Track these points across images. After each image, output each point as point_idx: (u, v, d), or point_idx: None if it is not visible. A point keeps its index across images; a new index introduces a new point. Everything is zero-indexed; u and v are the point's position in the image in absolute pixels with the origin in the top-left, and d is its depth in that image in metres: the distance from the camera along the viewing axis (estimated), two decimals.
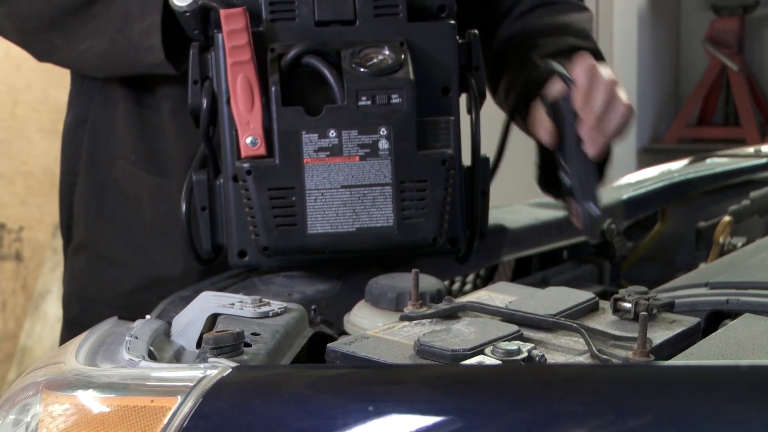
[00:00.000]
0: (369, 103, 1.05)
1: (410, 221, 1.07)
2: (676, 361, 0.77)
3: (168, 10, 1.12)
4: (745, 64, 4.59)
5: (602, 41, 3.98)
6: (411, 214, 1.07)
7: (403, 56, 1.07)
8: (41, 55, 1.29)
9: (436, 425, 0.64)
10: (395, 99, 1.05)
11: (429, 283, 0.95)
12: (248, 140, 1.05)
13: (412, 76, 1.06)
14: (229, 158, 1.09)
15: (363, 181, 1.06)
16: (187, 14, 1.09)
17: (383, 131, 1.05)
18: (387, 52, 1.07)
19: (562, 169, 1.14)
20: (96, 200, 1.34)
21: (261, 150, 1.05)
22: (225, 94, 1.08)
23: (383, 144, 1.06)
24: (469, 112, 1.16)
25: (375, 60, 1.06)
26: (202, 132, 1.11)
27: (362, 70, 1.05)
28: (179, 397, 0.70)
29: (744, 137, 4.37)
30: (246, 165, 1.05)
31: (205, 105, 1.10)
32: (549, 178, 1.24)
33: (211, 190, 1.13)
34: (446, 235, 1.11)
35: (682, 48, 4.85)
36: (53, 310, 3.50)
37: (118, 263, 1.32)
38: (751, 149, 2.15)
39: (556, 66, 1.15)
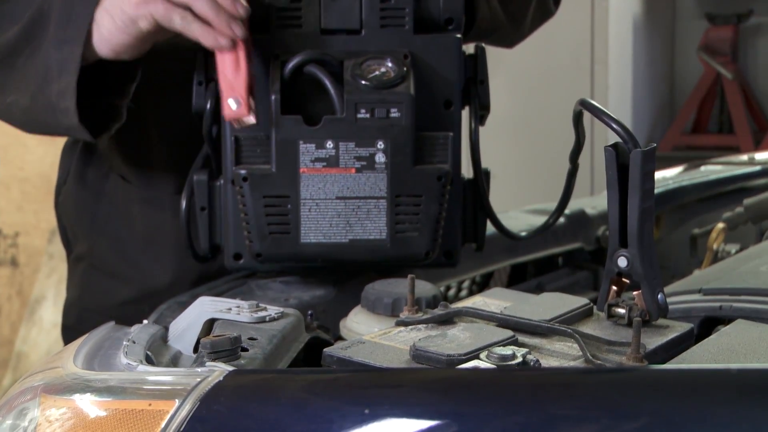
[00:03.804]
0: (368, 116, 1.05)
1: (403, 235, 1.07)
2: (669, 365, 0.78)
3: (85, 72, 1.07)
4: (739, 73, 4.61)
5: (597, 49, 4.00)
6: (404, 228, 1.07)
7: (405, 69, 1.07)
8: None
9: (431, 429, 0.65)
10: (394, 113, 1.05)
11: (425, 288, 0.95)
12: (230, 101, 1.03)
13: (412, 90, 1.06)
14: (228, 161, 1.10)
15: (358, 193, 1.06)
16: None
17: (380, 145, 1.06)
18: (390, 65, 1.07)
19: (617, 252, 0.85)
20: (89, 213, 1.35)
21: (243, 111, 1.02)
22: None
23: (380, 157, 1.06)
24: (471, 125, 1.16)
25: (377, 72, 1.06)
26: (205, 132, 1.11)
27: (363, 82, 1.05)
28: (177, 400, 0.70)
29: (738, 145, 4.39)
30: (242, 171, 1.05)
31: (209, 106, 1.10)
32: None
33: (211, 191, 1.13)
34: (440, 249, 1.11)
35: (677, 56, 4.87)
36: (49, 315, 3.50)
37: (112, 275, 1.33)
38: (744, 157, 2.16)
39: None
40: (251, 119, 1.04)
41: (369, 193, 1.06)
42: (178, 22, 1.03)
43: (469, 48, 1.18)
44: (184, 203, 1.14)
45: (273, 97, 1.05)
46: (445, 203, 1.08)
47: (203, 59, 1.11)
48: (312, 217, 1.06)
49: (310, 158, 1.05)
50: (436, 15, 1.12)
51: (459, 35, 1.12)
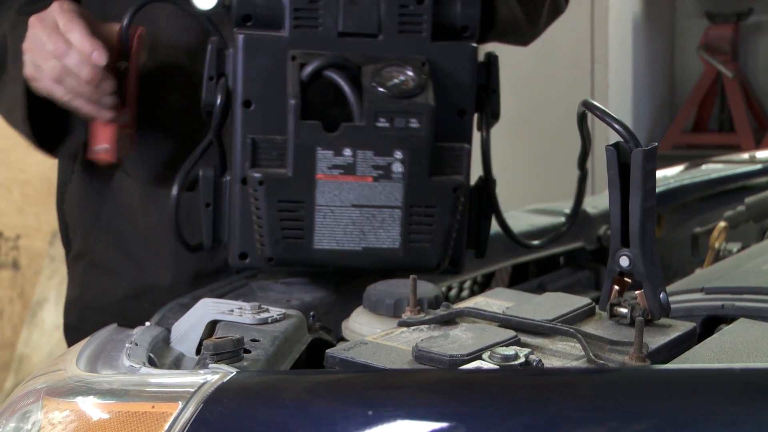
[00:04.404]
0: (387, 125, 1.04)
1: (416, 245, 1.07)
2: (672, 365, 0.78)
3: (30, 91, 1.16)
4: (740, 71, 4.61)
5: (597, 48, 4.01)
6: (418, 239, 1.07)
7: (425, 78, 1.06)
8: None
9: (434, 430, 0.65)
10: (413, 124, 1.04)
11: (427, 289, 0.95)
12: (100, 147, 1.17)
13: (432, 101, 1.04)
14: (239, 161, 1.08)
15: (374, 202, 1.06)
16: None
17: (398, 155, 1.05)
18: (410, 74, 1.05)
19: (619, 252, 0.86)
20: (93, 210, 1.35)
21: (109, 157, 1.17)
22: (240, 94, 1.08)
23: (397, 167, 1.05)
24: (479, 130, 1.15)
25: (396, 80, 1.05)
26: (214, 129, 1.11)
27: (382, 90, 1.04)
28: (180, 402, 0.70)
29: (739, 143, 4.39)
30: (258, 175, 1.04)
31: (218, 101, 1.09)
32: None
33: (216, 187, 1.13)
34: (449, 258, 1.11)
35: (677, 55, 4.87)
36: (50, 318, 3.50)
37: (112, 271, 1.33)
38: (745, 155, 2.17)
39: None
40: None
41: (384, 203, 1.06)
42: (61, 94, 1.13)
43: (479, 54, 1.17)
44: (175, 190, 1.13)
45: (293, 102, 1.03)
46: (458, 215, 1.08)
47: (215, 54, 1.10)
48: (326, 223, 1.05)
49: (327, 165, 1.04)
50: (452, 22, 1.10)
51: (474, 44, 1.11)
